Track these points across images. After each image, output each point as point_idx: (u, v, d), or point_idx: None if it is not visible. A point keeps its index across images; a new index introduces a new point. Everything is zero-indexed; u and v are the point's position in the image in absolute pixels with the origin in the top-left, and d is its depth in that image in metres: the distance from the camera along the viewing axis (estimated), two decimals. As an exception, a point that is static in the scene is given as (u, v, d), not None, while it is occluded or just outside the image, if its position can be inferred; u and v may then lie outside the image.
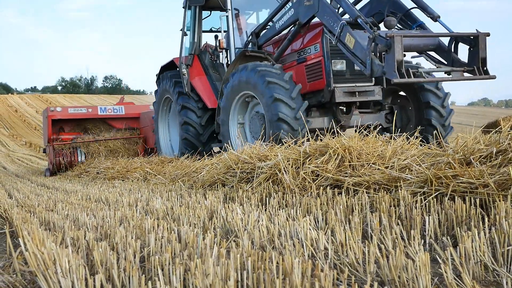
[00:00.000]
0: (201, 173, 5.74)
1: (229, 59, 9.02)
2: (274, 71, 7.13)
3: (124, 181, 7.53)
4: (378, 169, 3.91)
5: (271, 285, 1.70)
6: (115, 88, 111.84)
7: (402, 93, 8.02)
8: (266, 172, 4.50)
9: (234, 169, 5.00)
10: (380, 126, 7.72)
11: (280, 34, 8.03)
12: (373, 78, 7.24)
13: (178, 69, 9.83)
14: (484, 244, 2.01)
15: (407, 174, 3.54)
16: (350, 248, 2.13)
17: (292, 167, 4.33)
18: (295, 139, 5.89)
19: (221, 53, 9.65)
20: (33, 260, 2.06)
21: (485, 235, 2.15)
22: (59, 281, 1.86)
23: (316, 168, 4.17)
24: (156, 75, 10.87)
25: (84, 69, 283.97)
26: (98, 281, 1.75)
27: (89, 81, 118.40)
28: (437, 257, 2.01)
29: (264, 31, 8.34)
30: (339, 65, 7.28)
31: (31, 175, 12.53)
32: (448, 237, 2.33)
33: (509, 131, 3.63)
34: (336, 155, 4.23)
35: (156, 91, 10.82)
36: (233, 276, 1.68)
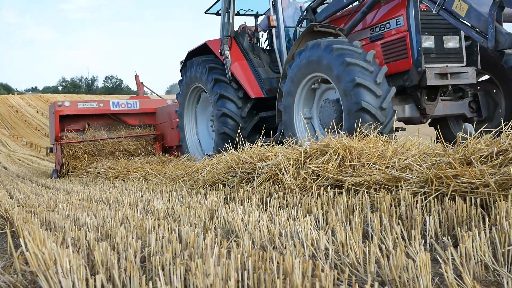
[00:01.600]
0: (201, 173, 5.74)
1: (277, 39, 7.87)
2: (354, 49, 5.92)
3: (125, 181, 7.53)
4: (379, 169, 3.91)
5: (272, 285, 1.70)
6: (115, 88, 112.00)
7: (485, 76, 6.84)
8: (267, 172, 4.51)
9: (235, 169, 5.01)
10: (463, 116, 6.78)
11: (344, 9, 6.92)
12: (465, 59, 6.22)
13: (211, 54, 8.70)
14: (484, 244, 2.01)
15: (407, 174, 3.54)
16: (350, 248, 2.13)
17: (292, 167, 4.33)
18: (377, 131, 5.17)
19: (262, 35, 8.70)
20: (33, 260, 2.06)
21: (485, 235, 2.15)
22: (59, 281, 1.87)
23: (317, 168, 4.17)
24: (181, 62, 9.64)
25: (85, 69, 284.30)
26: (98, 281, 1.75)
27: (90, 81, 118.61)
28: (438, 257, 2.01)
29: (323, 6, 7.23)
30: (427, 41, 6.09)
31: (32, 175, 12.52)
32: (449, 237, 2.33)
33: (509, 131, 3.63)
34: (336, 155, 4.23)
35: (180, 81, 9.57)
36: (234, 276, 1.68)
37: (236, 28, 8.54)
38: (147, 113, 12.21)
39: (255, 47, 8.50)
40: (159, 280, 1.73)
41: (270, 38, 8.45)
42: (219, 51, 8.41)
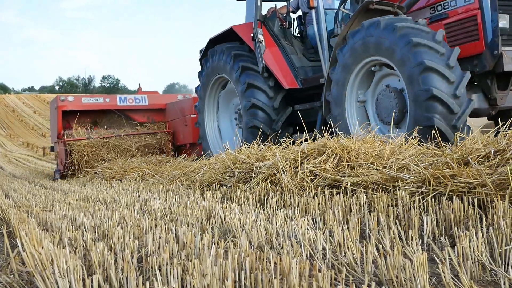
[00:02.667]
0: (199, 173, 5.74)
1: (317, 22, 7.06)
2: (421, 28, 5.14)
3: (122, 181, 7.52)
4: (376, 169, 3.91)
5: (269, 285, 1.69)
6: (112, 88, 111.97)
7: None
8: (264, 172, 4.50)
9: (232, 169, 5.00)
10: None
11: None
12: None
13: (235, 41, 7.91)
14: (482, 244, 2.01)
15: (405, 174, 3.54)
16: (348, 248, 2.13)
17: (290, 167, 4.33)
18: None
19: (295, 19, 7.92)
20: (30, 260, 2.06)
21: (483, 235, 2.15)
22: (56, 282, 1.86)
23: (314, 168, 4.17)
24: (201, 51, 8.77)
25: (81, 69, 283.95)
26: (95, 281, 1.75)
27: (87, 81, 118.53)
28: (435, 257, 2.01)
29: None
30: (501, 21, 5.28)
31: (29, 175, 12.48)
32: (446, 237, 2.34)
33: (506, 131, 3.63)
34: (334, 155, 4.23)
35: (200, 72, 8.70)
36: (231, 276, 1.68)
37: (264, 12, 7.77)
38: (156, 109, 11.35)
39: (286, 32, 7.66)
40: (156, 280, 1.72)
41: (304, 22, 7.76)
42: (251, 35, 7.47)
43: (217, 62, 8.06)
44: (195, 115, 9.50)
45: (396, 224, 2.58)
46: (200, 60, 8.74)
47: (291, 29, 7.87)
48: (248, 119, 7.28)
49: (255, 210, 3.28)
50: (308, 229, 2.45)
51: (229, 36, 8.03)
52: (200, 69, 8.79)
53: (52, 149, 11.82)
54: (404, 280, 1.77)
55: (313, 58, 7.46)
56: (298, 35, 7.98)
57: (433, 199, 3.01)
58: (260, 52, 7.26)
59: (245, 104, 7.33)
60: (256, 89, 7.27)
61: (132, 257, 2.15)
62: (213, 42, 8.35)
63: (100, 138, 10.46)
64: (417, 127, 4.74)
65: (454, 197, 2.86)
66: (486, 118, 6.29)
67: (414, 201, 3.00)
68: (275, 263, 1.87)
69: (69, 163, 10.14)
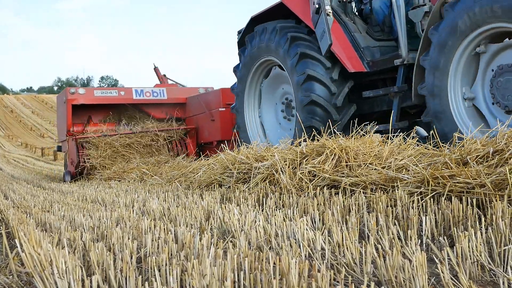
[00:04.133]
0: (197, 173, 5.74)
1: None
2: None
3: (121, 182, 7.52)
4: (375, 169, 3.91)
5: (268, 285, 1.69)
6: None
7: None
8: (263, 173, 4.50)
9: (231, 170, 5.00)
10: None
11: None
12: None
13: (287, 19, 6.81)
14: (480, 244, 2.01)
15: (404, 174, 3.54)
16: (347, 248, 2.13)
17: (289, 167, 4.33)
18: None
19: None
20: (29, 261, 2.06)
21: (481, 235, 2.15)
22: (55, 282, 1.86)
23: (313, 168, 4.17)
24: (239, 32, 7.79)
25: (80, 70, 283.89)
26: (94, 282, 1.75)
27: (85, 81, 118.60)
28: (434, 257, 2.01)
29: None
30: None
31: (27, 176, 12.47)
32: (445, 237, 2.34)
33: (505, 132, 3.63)
34: (333, 155, 4.24)
35: (241, 54, 7.60)
36: (230, 276, 1.68)
37: None
38: (175, 103, 10.16)
39: (348, 7, 6.63)
40: (155, 280, 1.72)
41: None
42: (315, 3, 6.18)
43: (267, 42, 6.88)
44: (223, 109, 8.81)
45: (395, 224, 2.58)
46: (239, 41, 7.72)
47: (352, 3, 6.78)
48: (306, 117, 6.20)
49: (254, 211, 3.28)
50: (307, 229, 2.45)
51: (278, 12, 6.93)
52: (238, 54, 7.73)
53: (59, 148, 10.59)
54: (403, 280, 1.77)
55: (380, 37, 6.43)
56: (356, 13, 6.87)
57: (432, 199, 3.02)
58: (327, 26, 6.00)
59: (302, 98, 6.25)
60: (317, 82, 6.16)
61: (131, 258, 2.15)
62: (256, 20, 7.30)
63: (120, 136, 9.41)
64: None
65: (453, 197, 2.86)
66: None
67: (413, 201, 3.00)
68: (274, 263, 1.87)
69: (83, 164, 9.09)
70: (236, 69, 7.81)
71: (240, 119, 7.69)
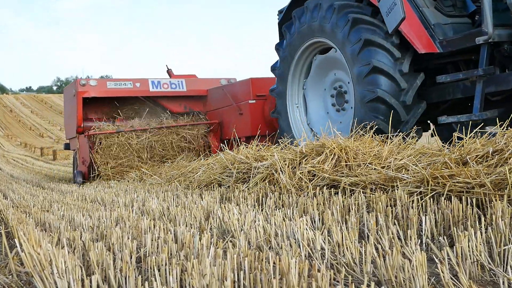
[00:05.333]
0: (197, 173, 5.73)
1: None
2: None
3: (120, 181, 7.51)
4: (375, 169, 3.91)
5: (268, 285, 1.69)
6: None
7: None
8: (263, 172, 4.50)
9: (231, 169, 5.00)
10: None
11: None
12: None
13: None
14: (480, 244, 2.01)
15: (403, 174, 3.54)
16: (346, 248, 2.13)
17: (288, 167, 4.33)
18: None
19: None
20: (29, 260, 2.05)
21: (481, 234, 2.15)
22: (55, 282, 1.86)
23: (313, 168, 4.17)
24: (280, 12, 7.01)
25: (79, 69, 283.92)
26: (94, 281, 1.75)
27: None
28: (434, 257, 2.01)
29: None
30: None
31: (26, 175, 12.45)
32: (445, 237, 2.34)
33: (504, 131, 3.63)
34: (332, 155, 4.24)
35: (286, 31, 6.64)
36: (230, 276, 1.68)
37: None
38: (195, 96, 9.22)
39: None
40: (155, 280, 1.72)
41: None
42: None
43: (320, 21, 5.98)
44: (254, 101, 7.99)
45: (394, 224, 2.58)
46: (280, 23, 6.87)
47: None
48: (366, 115, 5.38)
49: (253, 210, 3.28)
50: (306, 229, 2.45)
51: None
52: (279, 36, 6.95)
53: (66, 147, 9.78)
54: (403, 280, 1.77)
55: (452, 13, 5.61)
56: None
57: (431, 199, 3.02)
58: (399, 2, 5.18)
59: (364, 93, 5.42)
60: (384, 76, 5.34)
61: (131, 257, 2.15)
62: (297, 0, 6.47)
63: (138, 131, 8.47)
64: None
65: (452, 197, 2.86)
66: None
67: (413, 201, 3.00)
68: (274, 263, 1.87)
69: (96, 163, 8.27)
70: (279, 47, 6.86)
71: (281, 104, 6.81)
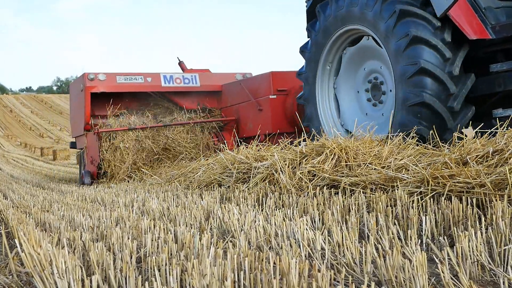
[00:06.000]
0: (197, 173, 5.73)
1: None
2: None
3: (120, 182, 7.51)
4: (375, 169, 3.91)
5: (268, 285, 1.69)
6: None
7: None
8: (263, 172, 4.50)
9: (231, 169, 5.00)
10: None
11: None
12: None
13: None
14: (481, 244, 2.01)
15: (403, 174, 3.54)
16: (347, 248, 2.13)
17: (288, 167, 4.33)
18: None
19: None
20: (29, 261, 2.05)
21: (482, 235, 2.15)
22: (55, 282, 1.86)
23: (313, 168, 4.17)
24: (307, 0, 6.41)
25: (79, 69, 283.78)
26: (94, 281, 1.75)
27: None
28: (434, 257, 2.01)
29: None
30: None
31: (26, 175, 12.45)
32: (445, 237, 2.34)
33: (504, 131, 3.64)
34: (332, 155, 4.24)
35: (310, 30, 6.21)
36: (230, 276, 1.68)
37: None
38: (209, 92, 8.73)
39: None
40: (155, 280, 1.72)
41: None
42: None
43: (347, 7, 5.59)
44: (274, 96, 7.50)
45: (395, 224, 2.58)
46: (309, 10, 6.32)
47: None
48: (411, 93, 4.88)
49: (253, 210, 3.28)
50: (307, 229, 2.45)
51: None
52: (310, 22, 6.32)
53: (73, 145, 9.35)
54: (404, 280, 1.76)
55: None
56: None
57: (431, 199, 3.02)
58: None
59: (405, 69, 4.93)
60: (425, 46, 4.84)
61: (131, 258, 2.15)
62: None
63: (142, 128, 8.03)
64: None
65: (453, 197, 2.86)
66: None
67: (413, 201, 3.00)
68: (274, 263, 1.87)
69: (106, 163, 7.82)
70: (304, 49, 6.37)
71: (310, 110, 6.24)
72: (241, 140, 7.53)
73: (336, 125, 6.10)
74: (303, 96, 6.40)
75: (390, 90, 5.42)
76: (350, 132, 5.65)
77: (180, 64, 9.63)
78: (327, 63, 6.11)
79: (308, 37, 6.35)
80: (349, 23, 5.63)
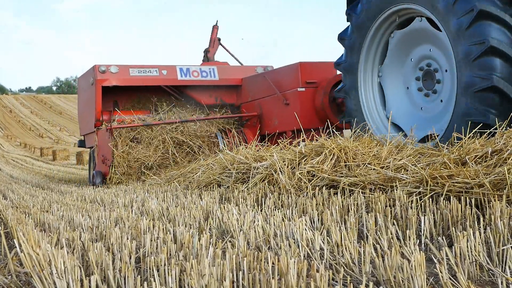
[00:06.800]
0: (196, 173, 5.74)
1: None
2: None
3: (119, 182, 7.50)
4: (374, 169, 3.91)
5: (267, 285, 1.70)
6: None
7: None
8: (262, 173, 4.51)
9: (230, 170, 5.00)
10: None
11: None
12: None
13: None
14: (479, 244, 2.01)
15: (402, 174, 3.55)
16: (345, 248, 2.13)
17: (287, 167, 4.33)
18: None
19: None
20: (28, 261, 2.05)
21: (480, 235, 2.15)
22: (54, 282, 1.86)
23: (312, 168, 4.17)
24: None
25: (78, 69, 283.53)
26: (93, 282, 1.75)
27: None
28: (433, 257, 2.01)
29: None
30: None
31: (26, 176, 12.44)
32: (444, 237, 2.34)
33: (503, 131, 3.64)
34: (331, 155, 4.24)
35: (350, 14, 5.55)
36: (229, 276, 1.68)
37: None
38: (227, 86, 8.14)
39: None
40: (154, 280, 1.72)
41: None
42: None
43: None
44: (303, 89, 6.90)
45: (393, 224, 2.59)
46: None
47: None
48: (477, 77, 4.30)
49: (253, 211, 3.28)
50: (306, 229, 2.45)
51: None
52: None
53: (81, 144, 8.82)
54: (402, 280, 1.77)
55: None
56: None
57: (430, 199, 3.02)
58: None
59: (469, 49, 4.35)
60: (493, 22, 4.27)
61: (130, 258, 2.15)
62: None
63: (157, 124, 7.47)
64: None
65: (451, 197, 2.86)
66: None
67: (412, 201, 3.00)
68: (273, 263, 1.87)
69: (120, 162, 7.30)
70: (343, 36, 5.69)
71: (352, 103, 5.61)
72: (264, 136, 7.31)
73: (381, 119, 5.51)
74: (343, 89, 5.71)
75: (447, 77, 4.88)
76: (399, 127, 5.25)
77: (214, 27, 8.94)
78: (371, 49, 5.47)
79: (348, 22, 5.64)
80: (398, 2, 5.00)
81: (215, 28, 9.16)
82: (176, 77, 7.94)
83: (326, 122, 6.12)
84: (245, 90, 8.12)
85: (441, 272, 1.69)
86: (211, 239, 2.40)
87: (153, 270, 1.88)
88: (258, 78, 7.94)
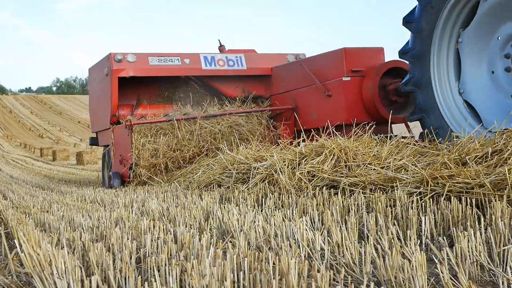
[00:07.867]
0: (196, 173, 5.73)
1: None
2: None
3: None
4: (374, 169, 3.91)
5: (268, 285, 1.69)
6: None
7: None
8: (262, 173, 4.51)
9: (230, 170, 5.00)
10: None
11: None
12: None
13: None
14: (480, 244, 2.01)
15: (403, 174, 3.54)
16: (346, 248, 2.13)
17: (288, 167, 4.33)
18: None
19: None
20: (28, 261, 2.05)
21: (481, 235, 2.15)
22: (55, 282, 1.86)
23: (312, 168, 4.17)
24: None
25: (78, 70, 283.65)
26: (94, 282, 1.75)
27: (84, 81, 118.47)
28: (433, 257, 2.01)
29: None
30: None
31: (26, 176, 12.44)
32: (444, 237, 2.34)
33: (503, 131, 3.63)
34: (332, 156, 4.24)
35: None
36: (230, 276, 1.68)
37: None
38: (255, 76, 7.35)
39: None
40: (155, 281, 1.72)
41: None
42: None
43: None
44: (348, 78, 6.09)
45: (394, 224, 2.58)
46: None
47: None
48: None
49: (253, 211, 3.28)
50: (306, 229, 2.45)
51: None
52: None
53: (93, 142, 8.14)
54: (403, 280, 1.77)
55: None
56: None
57: (431, 199, 3.02)
58: None
59: None
60: None
61: (131, 258, 2.15)
62: None
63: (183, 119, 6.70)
64: None
65: (452, 197, 2.86)
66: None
67: (412, 201, 3.00)
68: (273, 263, 1.87)
69: (143, 163, 6.57)
70: (410, 19, 4.78)
71: (424, 97, 4.73)
72: (300, 131, 6.34)
73: (463, 114, 4.56)
74: (411, 80, 4.84)
75: None
76: (482, 122, 4.37)
77: (220, 48, 8.09)
78: (445, 32, 4.56)
79: (417, 1, 4.73)
80: None
81: (221, 48, 8.20)
82: (200, 66, 7.18)
83: (373, 117, 5.74)
84: (276, 80, 7.32)
85: (442, 272, 1.69)
86: (212, 239, 2.40)
87: (153, 270, 1.87)
88: (293, 66, 7.12)
